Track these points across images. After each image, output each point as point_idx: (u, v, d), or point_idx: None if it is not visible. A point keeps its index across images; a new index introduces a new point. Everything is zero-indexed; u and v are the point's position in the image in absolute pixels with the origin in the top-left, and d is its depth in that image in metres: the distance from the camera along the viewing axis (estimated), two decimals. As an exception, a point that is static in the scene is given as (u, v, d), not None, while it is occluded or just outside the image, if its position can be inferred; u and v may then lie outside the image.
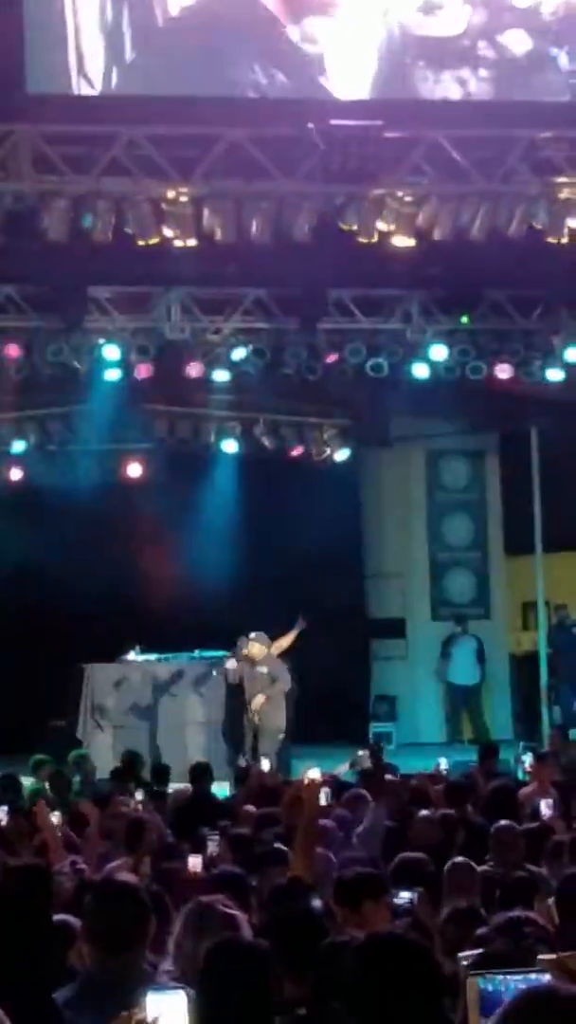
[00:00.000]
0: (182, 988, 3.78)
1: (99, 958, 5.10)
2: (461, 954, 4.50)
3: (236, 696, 18.48)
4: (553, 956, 3.64)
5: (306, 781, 9.10)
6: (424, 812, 10.90)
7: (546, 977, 3.12)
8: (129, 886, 5.46)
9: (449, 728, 22.69)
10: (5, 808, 11.24)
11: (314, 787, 8.36)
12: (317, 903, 7.14)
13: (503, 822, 10.09)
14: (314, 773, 9.69)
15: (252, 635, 18.39)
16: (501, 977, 3.24)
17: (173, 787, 14.04)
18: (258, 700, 18.09)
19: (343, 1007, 4.22)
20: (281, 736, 18.09)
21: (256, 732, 18.04)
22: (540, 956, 3.81)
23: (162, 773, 14.84)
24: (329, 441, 22.38)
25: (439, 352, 18.37)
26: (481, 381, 18.60)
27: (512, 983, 3.17)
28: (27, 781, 14.42)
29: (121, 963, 4.97)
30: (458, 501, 23.82)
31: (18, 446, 21.13)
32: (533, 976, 3.18)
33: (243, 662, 18.34)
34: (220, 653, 19.03)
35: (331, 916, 6.69)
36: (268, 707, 18.09)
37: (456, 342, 18.48)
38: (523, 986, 3.04)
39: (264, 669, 18.21)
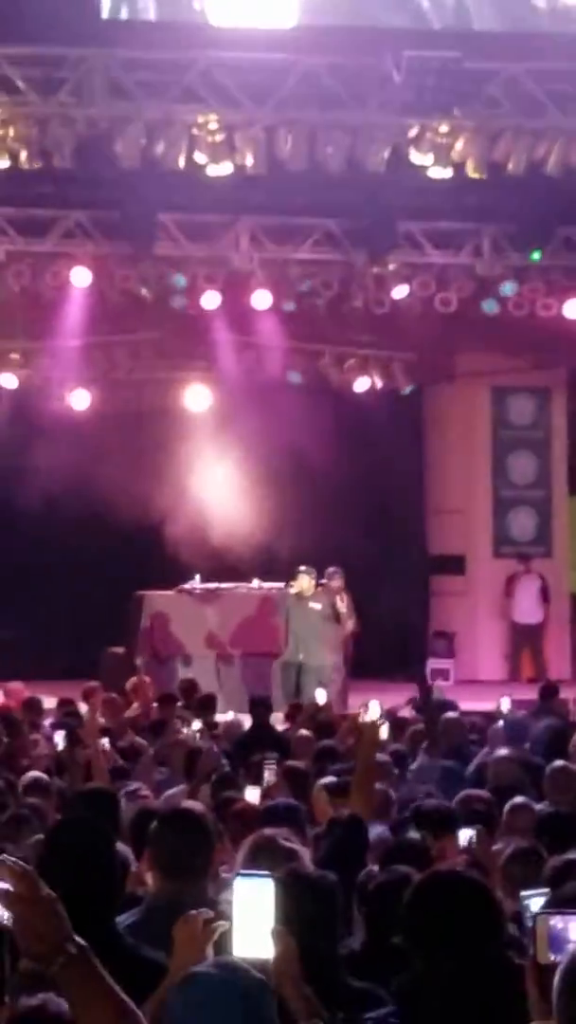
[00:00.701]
0: (270, 875, 3.79)
1: (164, 884, 5.15)
2: (524, 892, 4.54)
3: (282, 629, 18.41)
4: None
5: (366, 716, 9.12)
6: (503, 752, 10.87)
7: None
8: (195, 813, 5.52)
9: (509, 666, 22.68)
10: (63, 733, 11.30)
11: (374, 722, 8.37)
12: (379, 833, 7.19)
13: (558, 763, 10.09)
14: (374, 708, 9.71)
15: (302, 568, 18.29)
16: (569, 917, 3.29)
17: (226, 717, 14.08)
18: (304, 635, 17.99)
19: (402, 943, 4.24)
20: (327, 670, 17.94)
21: (300, 668, 17.94)
22: None
23: (208, 703, 14.86)
24: (394, 375, 22.27)
25: (509, 288, 18.24)
26: (551, 318, 18.46)
27: None
28: (83, 708, 14.52)
29: (186, 890, 5.01)
30: (522, 439, 23.67)
31: (85, 372, 21.17)
32: None
33: (292, 596, 18.28)
34: (279, 585, 19.01)
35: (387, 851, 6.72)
36: (314, 643, 18.01)
37: (526, 278, 18.33)
38: None
39: (316, 605, 18.15)
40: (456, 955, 4.01)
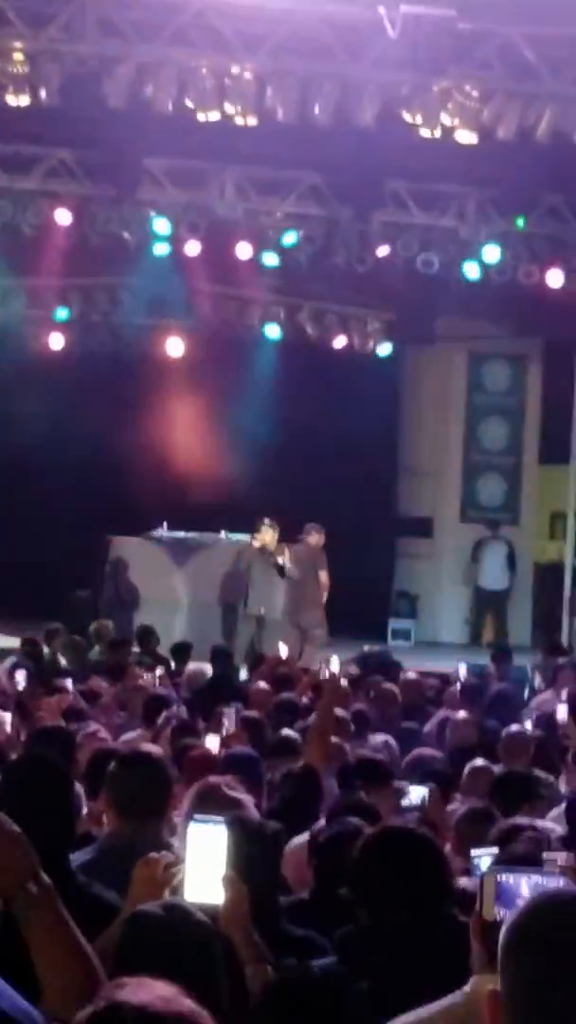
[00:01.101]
0: (223, 821, 3.80)
1: (120, 824, 5.18)
2: (474, 851, 4.59)
3: (242, 581, 18.37)
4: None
5: (327, 671, 9.15)
6: (463, 714, 10.93)
7: (561, 880, 3.18)
8: (153, 756, 5.55)
9: (471, 630, 22.78)
10: (23, 672, 11.32)
11: (335, 677, 8.40)
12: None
13: (514, 727, 10.15)
14: (335, 663, 9.75)
15: (266, 521, 18.19)
16: (518, 874, 3.31)
17: (190, 667, 14.11)
18: (265, 589, 17.97)
19: (349, 894, 4.27)
20: (314, 627, 17.95)
21: (259, 621, 17.93)
22: (551, 858, 3.86)
23: (183, 651, 14.87)
24: (373, 334, 22.24)
25: (492, 253, 18.20)
26: (532, 286, 18.43)
27: (529, 881, 3.24)
28: (46, 649, 14.55)
29: (142, 831, 5.05)
30: (497, 405, 23.70)
31: (61, 313, 21.09)
32: (549, 877, 3.25)
33: (254, 549, 18.24)
34: (247, 536, 18.98)
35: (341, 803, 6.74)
36: (274, 598, 17.99)
37: (510, 244, 18.29)
38: (540, 881, 3.15)
39: (276, 559, 18.11)
40: (401, 910, 4.05)
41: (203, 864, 3.77)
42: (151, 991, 2.00)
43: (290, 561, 17.80)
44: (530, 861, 3.77)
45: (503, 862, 3.51)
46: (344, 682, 10.18)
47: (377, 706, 11.64)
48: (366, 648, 16.64)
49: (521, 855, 3.82)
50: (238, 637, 18.07)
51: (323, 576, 17.99)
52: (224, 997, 3.30)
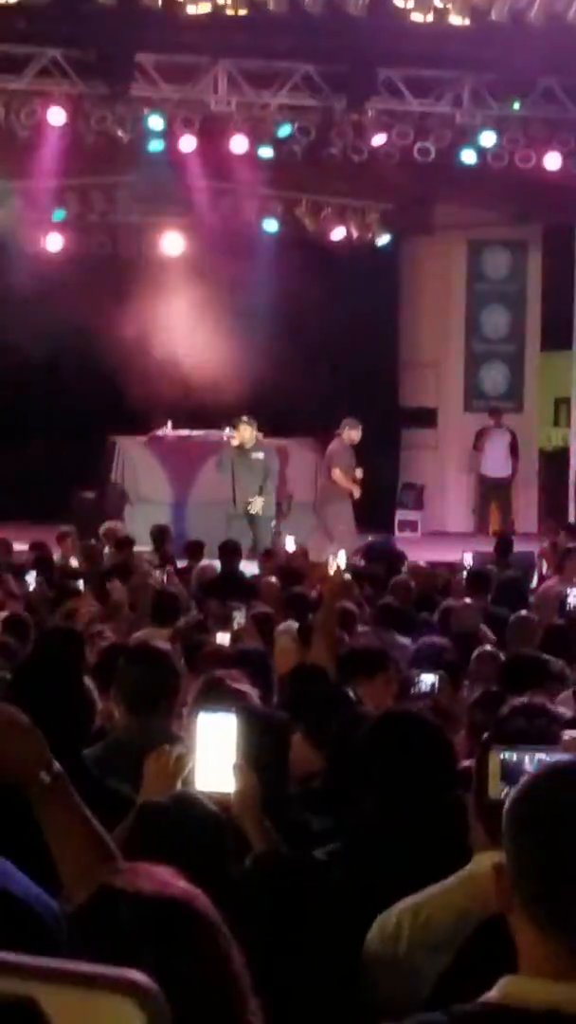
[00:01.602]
0: (232, 711, 3.86)
1: (129, 719, 5.24)
2: (487, 735, 4.62)
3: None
4: None
5: (330, 567, 9.20)
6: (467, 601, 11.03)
7: (567, 755, 3.21)
8: (161, 651, 5.60)
9: (476, 519, 22.85)
10: (33, 575, 11.41)
11: (337, 572, 8.44)
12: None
13: (521, 612, 10.25)
14: (341, 558, 9.81)
15: (244, 419, 18.11)
16: (523, 752, 3.35)
17: (200, 564, 14.17)
18: (249, 486, 17.95)
19: (357, 779, 4.35)
20: (273, 523, 18.01)
21: (251, 520, 17.94)
22: (571, 735, 3.89)
23: (195, 549, 14.93)
24: (371, 225, 22.12)
25: (488, 138, 18.07)
26: (529, 170, 18.31)
27: (535, 756, 3.27)
28: (56, 554, 14.62)
29: (150, 725, 5.11)
30: (497, 292, 23.61)
31: (58, 214, 20.98)
32: (555, 753, 3.28)
33: (233, 448, 18.19)
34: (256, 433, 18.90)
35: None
36: (258, 494, 18.00)
37: (506, 129, 18.15)
38: (546, 759, 3.12)
39: (258, 455, 18.12)
40: (405, 793, 4.09)
41: (213, 754, 3.85)
42: (147, 876, 2.04)
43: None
44: (537, 739, 3.82)
45: (503, 738, 3.55)
46: (348, 576, 10.22)
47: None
48: (369, 539, 16.71)
49: (522, 731, 3.86)
50: (233, 535, 18.05)
51: (335, 473, 18.03)
52: (233, 886, 3.37)
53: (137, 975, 0.72)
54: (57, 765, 3.03)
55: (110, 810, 3.55)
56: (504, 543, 15.78)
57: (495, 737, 3.62)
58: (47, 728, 3.17)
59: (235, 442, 18.12)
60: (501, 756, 3.33)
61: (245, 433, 18.02)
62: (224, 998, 1.89)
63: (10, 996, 0.72)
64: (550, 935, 2.29)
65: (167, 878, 2.02)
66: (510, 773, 3.28)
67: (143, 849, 3.22)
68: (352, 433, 18.20)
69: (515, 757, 3.32)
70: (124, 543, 14.69)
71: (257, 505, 17.84)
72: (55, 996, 0.72)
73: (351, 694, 6.03)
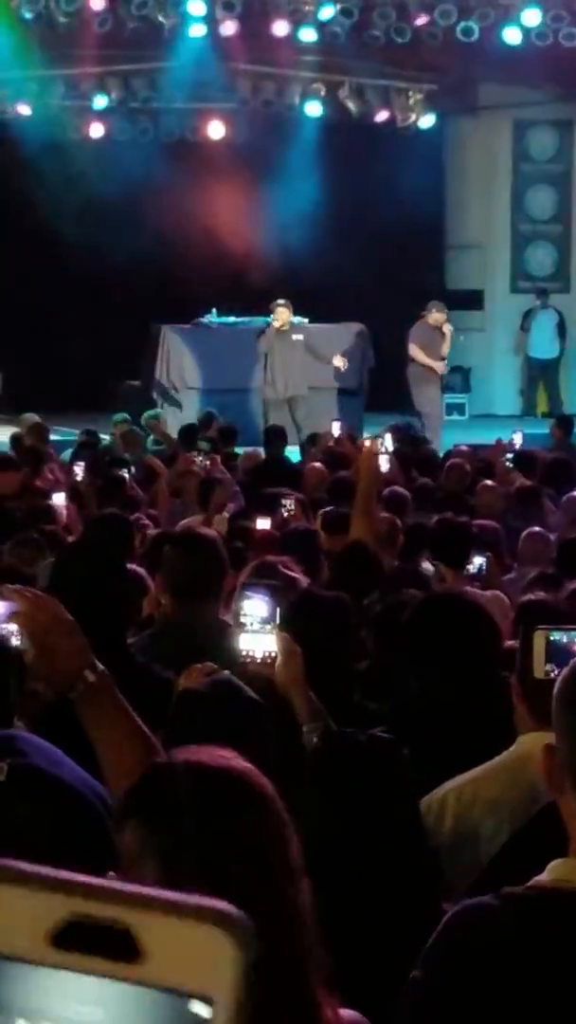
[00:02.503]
0: (276, 585, 3.90)
1: (175, 606, 5.22)
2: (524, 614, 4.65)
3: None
4: None
5: (365, 447, 9.17)
6: (488, 482, 11.05)
7: None
8: (207, 537, 5.51)
9: (524, 401, 22.81)
10: (82, 464, 11.42)
11: (370, 449, 8.40)
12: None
13: (573, 493, 10.27)
14: (388, 441, 9.82)
15: (280, 302, 17.91)
16: (570, 632, 3.35)
17: (243, 450, 14.13)
18: (289, 369, 17.92)
19: (404, 657, 4.43)
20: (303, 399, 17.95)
21: (290, 403, 17.89)
22: None
23: (229, 434, 14.93)
24: (415, 107, 21.87)
25: (532, 16, 17.85)
26: (574, 48, 18.08)
27: None
28: (106, 438, 14.66)
29: (196, 611, 5.08)
30: (544, 172, 23.37)
31: (100, 102, 20.84)
32: None
33: (272, 330, 18.01)
34: (296, 319, 18.89)
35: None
36: (298, 376, 17.86)
37: (550, 6, 17.90)
38: None
39: (297, 337, 18.06)
40: (448, 673, 4.11)
41: (257, 627, 3.92)
42: (207, 752, 2.05)
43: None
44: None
45: (549, 619, 3.56)
46: (384, 458, 10.12)
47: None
48: (393, 423, 16.63)
49: (567, 613, 3.90)
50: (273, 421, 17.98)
51: (412, 348, 17.95)
52: (274, 771, 3.40)
53: (227, 905, 0.79)
54: (100, 665, 3.02)
55: (154, 696, 3.56)
56: (564, 420, 15.69)
57: (540, 617, 3.65)
58: (90, 617, 3.21)
59: (276, 324, 18.03)
60: (550, 637, 3.33)
61: (282, 315, 17.93)
62: (274, 875, 1.89)
63: (108, 921, 0.79)
64: None
65: (227, 754, 2.04)
66: (556, 654, 3.27)
67: (183, 736, 3.27)
68: (438, 315, 18.19)
69: (565, 638, 3.30)
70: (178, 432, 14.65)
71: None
72: (146, 923, 0.79)
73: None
